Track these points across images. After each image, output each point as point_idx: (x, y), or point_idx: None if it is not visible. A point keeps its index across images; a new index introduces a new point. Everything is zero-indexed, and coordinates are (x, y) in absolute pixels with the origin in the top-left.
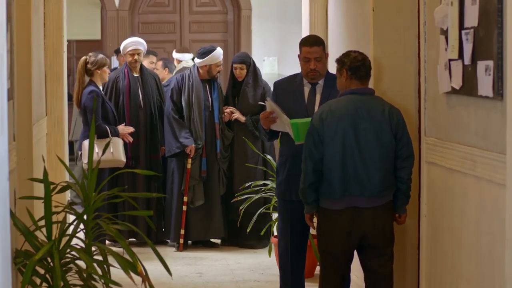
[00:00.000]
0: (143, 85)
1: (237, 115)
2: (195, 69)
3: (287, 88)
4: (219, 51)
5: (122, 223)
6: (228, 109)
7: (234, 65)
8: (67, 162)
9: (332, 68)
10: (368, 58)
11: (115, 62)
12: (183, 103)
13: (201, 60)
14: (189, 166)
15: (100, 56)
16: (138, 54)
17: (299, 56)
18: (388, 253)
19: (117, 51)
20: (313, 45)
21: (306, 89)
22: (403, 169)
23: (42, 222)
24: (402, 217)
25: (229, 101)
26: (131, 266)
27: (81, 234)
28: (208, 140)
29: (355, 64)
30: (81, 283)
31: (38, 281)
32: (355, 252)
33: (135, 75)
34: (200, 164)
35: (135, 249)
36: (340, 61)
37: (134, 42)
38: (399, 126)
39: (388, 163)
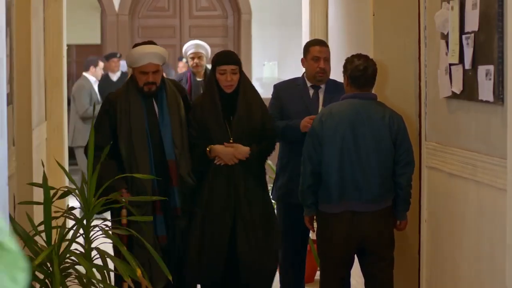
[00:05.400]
0: None
1: None
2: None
3: (290, 91)
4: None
5: (123, 228)
6: None
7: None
8: (66, 167)
9: (334, 73)
10: (372, 66)
11: (122, 65)
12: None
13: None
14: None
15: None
16: (199, 57)
17: (303, 59)
18: (388, 258)
19: (107, 57)
20: (322, 45)
21: (310, 93)
22: (402, 176)
23: (42, 227)
24: (402, 224)
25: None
26: (131, 271)
27: (81, 239)
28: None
29: (355, 74)
30: None
31: (37, 286)
32: (356, 258)
33: (199, 79)
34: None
35: None
36: (344, 65)
37: (193, 45)
38: (399, 132)
39: (386, 169)
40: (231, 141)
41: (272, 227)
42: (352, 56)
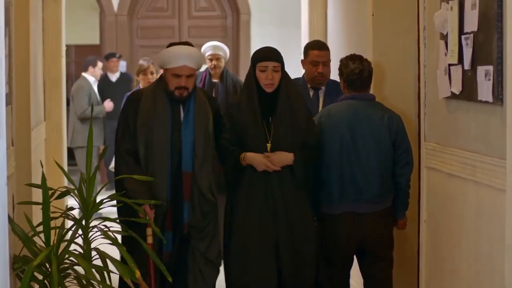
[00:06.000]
0: (219, 92)
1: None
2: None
3: None
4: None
5: (123, 231)
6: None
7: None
8: (65, 167)
9: (334, 74)
10: (368, 68)
11: (122, 66)
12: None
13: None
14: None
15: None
16: (217, 59)
17: (303, 61)
18: (388, 258)
19: (107, 57)
20: (322, 49)
21: (310, 93)
22: (401, 176)
23: (41, 228)
24: (402, 223)
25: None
26: (130, 272)
27: (79, 240)
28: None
29: (351, 78)
30: None
31: (36, 287)
32: (355, 258)
33: (214, 80)
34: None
35: None
36: (339, 68)
37: (211, 47)
38: (398, 132)
39: (386, 169)
40: (268, 144)
41: (310, 244)
42: (346, 58)
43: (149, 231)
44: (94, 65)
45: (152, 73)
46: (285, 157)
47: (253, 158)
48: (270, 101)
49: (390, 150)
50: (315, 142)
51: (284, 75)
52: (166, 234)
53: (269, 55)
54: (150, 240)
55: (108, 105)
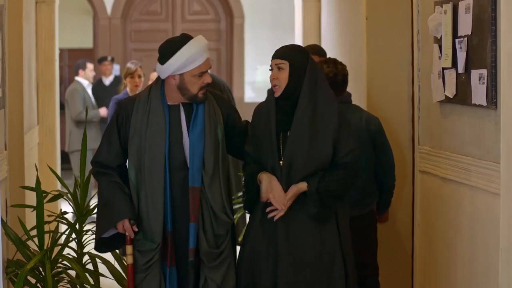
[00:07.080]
0: None
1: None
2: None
3: None
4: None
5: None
6: None
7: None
8: (58, 171)
9: None
10: (343, 71)
11: (115, 69)
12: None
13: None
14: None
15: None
16: None
17: None
18: (372, 265)
19: (99, 61)
20: (317, 54)
21: None
22: (384, 177)
23: (34, 232)
24: (383, 217)
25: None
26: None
27: (73, 244)
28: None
29: None
30: None
31: None
32: None
33: None
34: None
35: None
36: None
37: None
38: (377, 134)
39: (367, 172)
40: (281, 162)
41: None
42: (321, 62)
43: (129, 249)
44: (84, 68)
45: (139, 76)
46: (283, 197)
47: (263, 181)
48: (291, 110)
49: (371, 152)
50: (347, 160)
51: (307, 76)
52: (169, 271)
53: (275, 53)
54: (130, 260)
55: (103, 111)
